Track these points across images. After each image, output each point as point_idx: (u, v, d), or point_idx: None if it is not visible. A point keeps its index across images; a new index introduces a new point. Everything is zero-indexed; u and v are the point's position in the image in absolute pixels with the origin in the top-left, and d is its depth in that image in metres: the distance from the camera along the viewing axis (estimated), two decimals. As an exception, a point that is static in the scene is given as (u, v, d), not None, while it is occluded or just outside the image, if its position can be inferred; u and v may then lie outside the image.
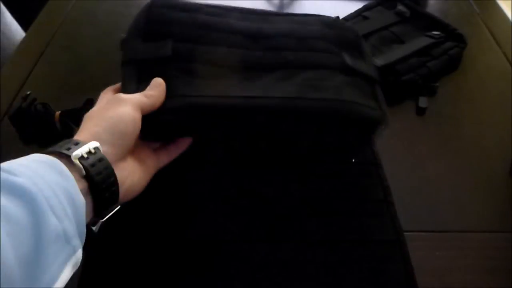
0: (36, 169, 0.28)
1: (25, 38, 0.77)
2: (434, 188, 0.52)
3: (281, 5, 0.82)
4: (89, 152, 0.32)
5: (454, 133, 0.59)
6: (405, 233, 0.46)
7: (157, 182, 0.41)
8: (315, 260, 0.43)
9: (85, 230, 0.30)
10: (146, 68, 0.42)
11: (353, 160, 0.50)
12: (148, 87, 0.40)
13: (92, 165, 0.32)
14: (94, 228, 0.34)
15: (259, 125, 0.43)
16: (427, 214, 0.50)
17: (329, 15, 0.76)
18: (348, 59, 0.47)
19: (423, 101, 0.61)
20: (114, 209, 0.35)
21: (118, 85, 0.44)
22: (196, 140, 0.44)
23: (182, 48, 0.44)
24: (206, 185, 0.48)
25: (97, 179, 0.32)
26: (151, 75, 0.41)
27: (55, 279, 0.27)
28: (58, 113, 0.55)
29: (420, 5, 0.81)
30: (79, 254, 0.29)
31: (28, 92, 0.57)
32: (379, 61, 0.61)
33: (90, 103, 0.57)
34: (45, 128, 0.55)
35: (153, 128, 0.40)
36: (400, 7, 0.72)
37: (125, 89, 0.41)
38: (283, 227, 0.45)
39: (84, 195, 0.31)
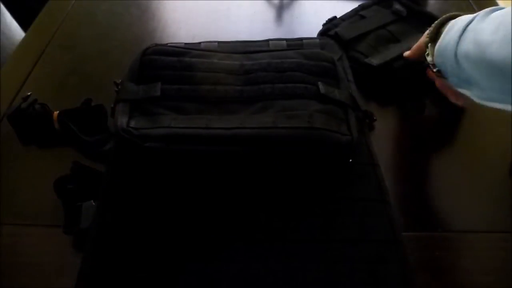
0: None
1: (25, 38, 0.77)
2: (434, 188, 0.52)
3: (281, 5, 0.82)
4: None
5: (454, 133, 0.59)
6: (405, 233, 0.46)
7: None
8: (312, 259, 0.43)
9: None
10: (138, 106, 0.48)
11: (350, 160, 0.51)
12: None
13: None
14: None
15: (238, 154, 0.47)
16: (427, 214, 0.50)
17: (328, 15, 0.76)
18: (322, 88, 0.51)
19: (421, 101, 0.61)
20: None
21: None
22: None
23: (169, 89, 0.50)
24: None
25: None
26: (141, 112, 0.48)
27: None
28: (56, 113, 0.55)
29: (420, 4, 0.81)
30: None
31: (29, 93, 0.57)
32: (376, 60, 0.61)
33: (88, 103, 0.57)
34: (43, 128, 0.55)
35: (139, 154, 0.45)
36: (397, 6, 0.72)
37: (117, 122, 0.47)
38: (280, 226, 0.45)
39: None
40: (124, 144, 0.47)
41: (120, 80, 0.53)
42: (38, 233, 0.48)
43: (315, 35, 0.72)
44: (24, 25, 0.98)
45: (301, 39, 0.66)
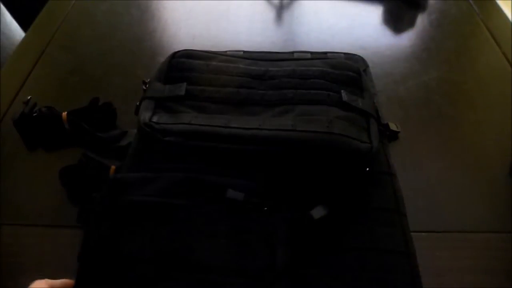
0: None
1: (25, 38, 0.77)
2: (434, 188, 0.52)
3: (281, 5, 0.82)
4: None
5: (454, 133, 0.59)
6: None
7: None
8: (322, 266, 0.43)
9: None
10: (162, 104, 0.50)
11: (367, 169, 0.50)
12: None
13: None
14: None
15: (255, 154, 0.47)
16: (427, 214, 0.50)
17: (329, 15, 0.76)
18: (344, 96, 0.51)
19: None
20: None
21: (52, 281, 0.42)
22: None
23: (194, 89, 0.52)
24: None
25: None
26: (165, 109, 0.50)
27: None
28: (65, 113, 0.55)
29: (420, 5, 0.81)
30: None
31: (29, 97, 0.57)
32: None
33: (95, 102, 0.57)
34: (52, 130, 0.55)
35: (159, 147, 0.46)
36: None
37: (140, 117, 0.48)
38: (291, 231, 0.45)
39: None
40: (144, 139, 0.48)
41: (148, 80, 0.54)
42: (38, 233, 0.48)
43: (314, 35, 0.72)
44: (24, 25, 0.98)
45: (325, 52, 0.66)
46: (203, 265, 0.41)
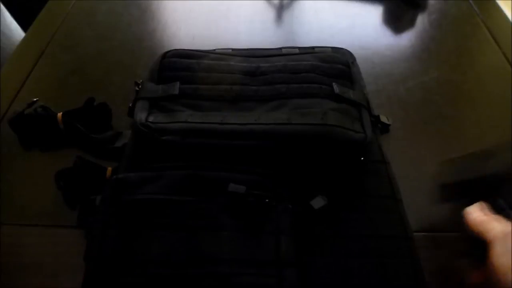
0: None
1: (25, 38, 0.77)
2: (434, 189, 0.52)
3: (281, 5, 0.82)
4: None
5: (454, 133, 0.59)
6: (405, 233, 0.46)
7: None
8: (323, 253, 0.44)
9: None
10: (156, 104, 0.51)
11: (362, 158, 0.51)
12: None
13: None
14: None
15: (252, 149, 0.47)
16: (427, 214, 0.50)
17: (329, 15, 0.76)
18: (336, 88, 0.52)
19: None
20: None
21: None
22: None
23: (187, 88, 0.52)
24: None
25: None
26: (160, 109, 0.50)
27: None
28: (60, 114, 0.55)
29: (420, 5, 0.81)
30: None
31: (35, 99, 0.56)
32: None
33: (91, 102, 0.57)
34: (47, 130, 0.55)
35: (156, 148, 0.47)
36: None
37: (136, 118, 0.49)
38: (295, 224, 0.45)
39: None
40: (141, 139, 0.49)
41: (141, 81, 0.55)
42: (38, 233, 0.48)
43: (314, 35, 0.72)
44: (24, 25, 0.99)
45: (313, 47, 0.66)
46: (211, 258, 0.42)
